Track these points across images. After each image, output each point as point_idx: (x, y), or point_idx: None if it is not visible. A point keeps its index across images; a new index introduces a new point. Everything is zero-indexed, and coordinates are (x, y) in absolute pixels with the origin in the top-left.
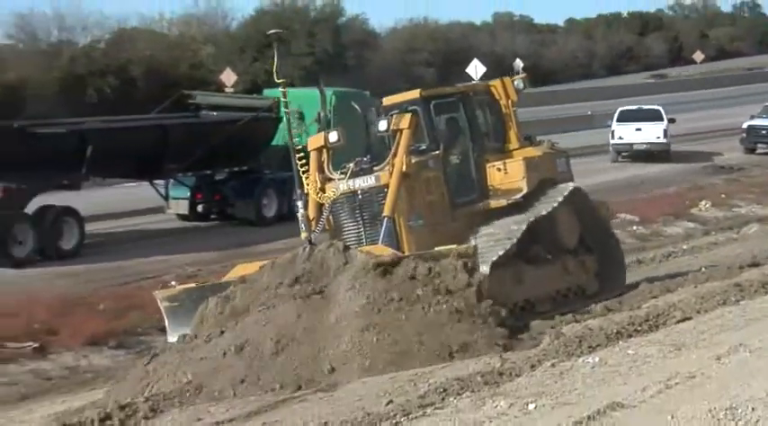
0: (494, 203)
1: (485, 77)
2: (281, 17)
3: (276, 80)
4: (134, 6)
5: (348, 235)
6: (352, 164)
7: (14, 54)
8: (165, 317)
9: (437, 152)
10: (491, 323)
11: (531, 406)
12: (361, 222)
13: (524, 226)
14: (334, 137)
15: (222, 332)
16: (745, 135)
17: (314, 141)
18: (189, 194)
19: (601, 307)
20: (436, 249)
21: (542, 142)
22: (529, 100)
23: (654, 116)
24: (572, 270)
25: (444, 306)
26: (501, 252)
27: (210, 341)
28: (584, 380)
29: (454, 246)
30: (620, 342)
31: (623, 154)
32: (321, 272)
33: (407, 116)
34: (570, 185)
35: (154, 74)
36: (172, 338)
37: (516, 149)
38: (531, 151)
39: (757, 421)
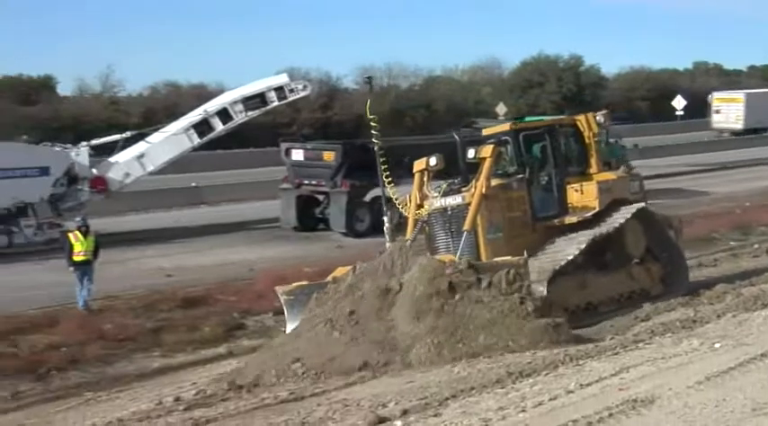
0: (568, 219)
1: (686, 108)
2: (539, 66)
3: (368, 116)
4: (439, 61)
5: (439, 244)
6: (445, 185)
7: (359, 95)
8: (285, 308)
9: (522, 175)
10: (533, 323)
11: (717, 345)
12: (450, 234)
13: (583, 246)
14: (433, 161)
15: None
16: None
17: (417, 165)
18: None
19: None
20: (494, 260)
21: (620, 167)
22: None
23: None
24: (636, 276)
25: (496, 308)
26: (557, 268)
27: (307, 330)
28: (758, 328)
29: (509, 257)
30: None
31: None
32: (391, 275)
33: (490, 147)
34: (637, 205)
35: (452, 106)
36: (291, 324)
37: (595, 173)
38: (607, 175)
39: None
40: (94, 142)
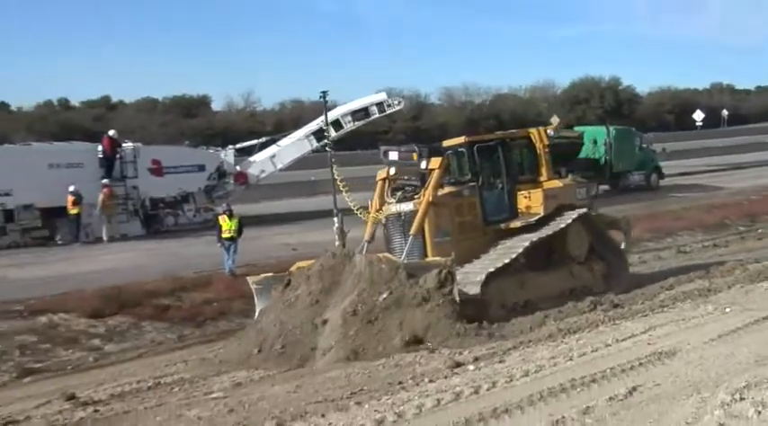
0: (513, 224)
1: (705, 120)
2: (585, 86)
3: (324, 127)
4: (506, 81)
5: (395, 246)
6: (400, 192)
7: (441, 109)
8: (255, 295)
9: (473, 183)
10: (451, 320)
11: (728, 310)
12: (403, 236)
13: (520, 250)
14: (393, 171)
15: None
16: None
17: (380, 174)
18: None
19: None
20: (425, 260)
21: (568, 176)
22: (733, 133)
23: None
24: (577, 275)
25: (422, 305)
26: (491, 270)
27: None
28: (761, 296)
29: (437, 258)
30: None
31: None
32: (335, 275)
33: (438, 159)
34: (578, 211)
35: (515, 118)
36: (259, 308)
37: (545, 181)
38: (555, 183)
39: None
40: (238, 146)
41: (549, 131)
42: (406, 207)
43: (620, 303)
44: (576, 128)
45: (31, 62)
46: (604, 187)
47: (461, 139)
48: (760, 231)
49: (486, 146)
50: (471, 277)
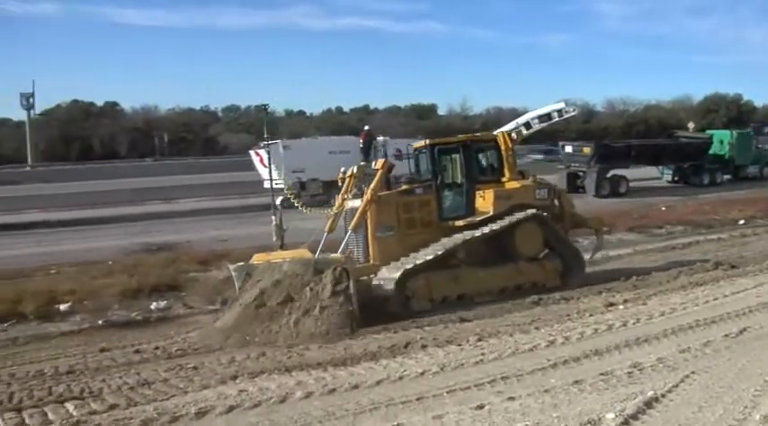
0: (458, 222)
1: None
2: (714, 100)
3: (265, 135)
4: (654, 94)
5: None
6: (356, 189)
7: (604, 116)
8: (234, 278)
9: (430, 182)
10: (342, 314)
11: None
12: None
13: (440, 251)
14: (355, 170)
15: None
16: None
17: (348, 172)
18: (672, 171)
19: None
20: (329, 256)
21: (529, 176)
22: None
23: None
24: (526, 271)
25: (318, 299)
26: (408, 267)
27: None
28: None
29: (336, 255)
30: None
31: None
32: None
33: (383, 161)
34: (528, 212)
35: (661, 123)
36: (237, 286)
37: (507, 181)
38: (512, 183)
39: None
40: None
41: (512, 135)
42: (358, 203)
43: (736, 264)
44: (707, 132)
45: (319, 80)
46: (727, 176)
47: (423, 142)
48: None
49: (446, 149)
50: (386, 282)
